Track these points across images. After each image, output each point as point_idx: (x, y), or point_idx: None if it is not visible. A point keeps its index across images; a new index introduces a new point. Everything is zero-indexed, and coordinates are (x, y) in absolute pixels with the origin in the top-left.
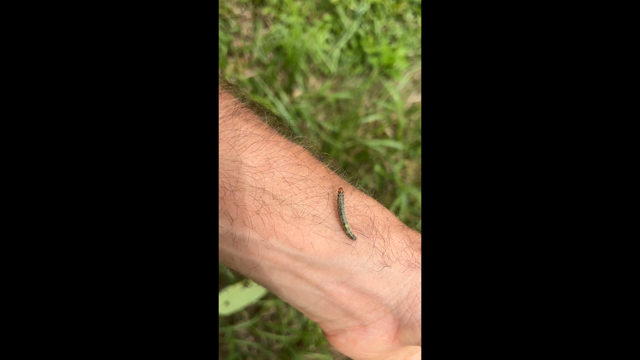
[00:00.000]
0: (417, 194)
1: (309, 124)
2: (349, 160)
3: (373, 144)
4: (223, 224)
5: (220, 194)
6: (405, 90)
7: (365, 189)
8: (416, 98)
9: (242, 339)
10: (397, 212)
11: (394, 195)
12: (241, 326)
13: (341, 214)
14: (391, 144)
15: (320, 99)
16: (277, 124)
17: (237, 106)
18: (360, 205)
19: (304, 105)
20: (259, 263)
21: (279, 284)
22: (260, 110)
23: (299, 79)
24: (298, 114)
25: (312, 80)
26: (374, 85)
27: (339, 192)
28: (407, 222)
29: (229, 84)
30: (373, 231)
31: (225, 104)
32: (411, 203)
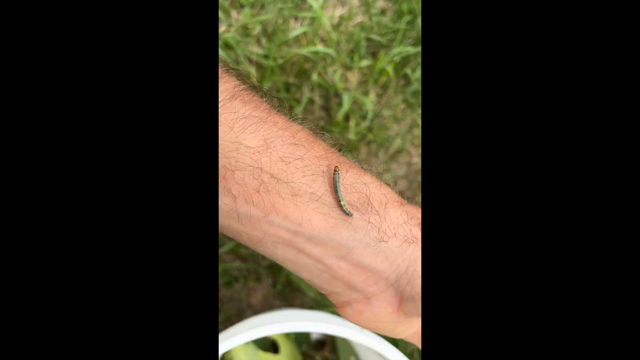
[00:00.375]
0: (362, 98)
1: (239, 52)
2: (290, 81)
3: (303, 50)
4: (227, 202)
5: (222, 173)
6: (330, 5)
7: (311, 119)
8: (341, 11)
9: (228, 262)
10: (346, 119)
11: (340, 105)
12: (224, 250)
13: (337, 192)
14: (321, 49)
15: (245, 29)
16: (277, 105)
17: (236, 89)
18: (357, 183)
19: (230, 35)
20: (263, 238)
21: (283, 257)
22: (260, 93)
23: (220, 14)
24: (228, 47)
25: (234, 14)
26: (296, 5)
27: (335, 171)
28: (368, 120)
29: (230, 68)
30: (369, 207)
31: (225, 87)
32: (358, 107)
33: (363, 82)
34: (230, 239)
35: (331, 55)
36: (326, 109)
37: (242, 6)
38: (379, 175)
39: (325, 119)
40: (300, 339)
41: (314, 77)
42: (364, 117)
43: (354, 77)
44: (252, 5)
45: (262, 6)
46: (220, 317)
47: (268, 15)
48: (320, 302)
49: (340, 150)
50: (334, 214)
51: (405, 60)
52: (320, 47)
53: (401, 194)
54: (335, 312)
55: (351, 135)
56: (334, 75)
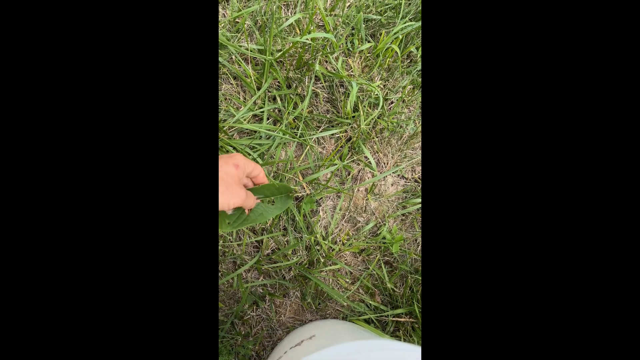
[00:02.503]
0: (371, 85)
1: (232, 51)
2: (291, 76)
3: (302, 39)
4: None
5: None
6: None
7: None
8: None
9: (253, 281)
10: (355, 108)
11: (346, 95)
12: (246, 267)
13: None
14: (321, 34)
15: (234, 23)
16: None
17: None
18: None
19: (220, 32)
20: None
21: None
22: None
23: None
24: (220, 46)
25: (220, 10)
26: None
27: None
28: (378, 107)
29: None
30: None
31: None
32: (365, 94)
33: (366, 67)
34: (252, 255)
35: (331, 41)
36: (331, 100)
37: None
38: (395, 165)
39: (332, 111)
40: None
41: (317, 66)
42: (370, 105)
43: (356, 63)
44: None
45: None
46: (251, 344)
47: (257, 5)
48: (353, 309)
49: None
50: None
51: (407, 37)
52: (321, 33)
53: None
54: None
55: (363, 126)
56: (337, 63)
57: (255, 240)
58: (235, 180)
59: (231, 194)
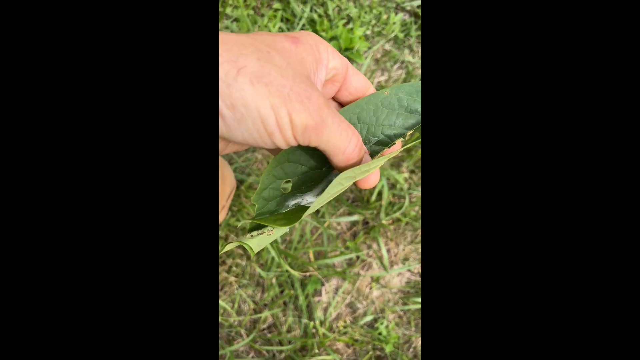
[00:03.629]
0: (397, 176)
1: None
2: None
3: None
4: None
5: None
6: (369, 71)
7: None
8: (381, 77)
9: (244, 357)
10: (379, 197)
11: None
12: (240, 345)
13: None
14: None
15: None
16: None
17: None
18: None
19: None
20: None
21: None
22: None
23: None
24: None
25: None
26: None
27: None
28: (401, 199)
29: None
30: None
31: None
32: (392, 185)
33: (395, 158)
34: (250, 331)
35: None
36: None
37: None
38: (404, 260)
39: (354, 191)
40: None
41: None
42: (394, 195)
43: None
44: None
45: None
46: None
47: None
48: None
49: None
50: None
51: None
52: None
53: None
54: None
55: (384, 221)
56: None
57: (254, 314)
58: (300, 69)
59: (289, 91)
